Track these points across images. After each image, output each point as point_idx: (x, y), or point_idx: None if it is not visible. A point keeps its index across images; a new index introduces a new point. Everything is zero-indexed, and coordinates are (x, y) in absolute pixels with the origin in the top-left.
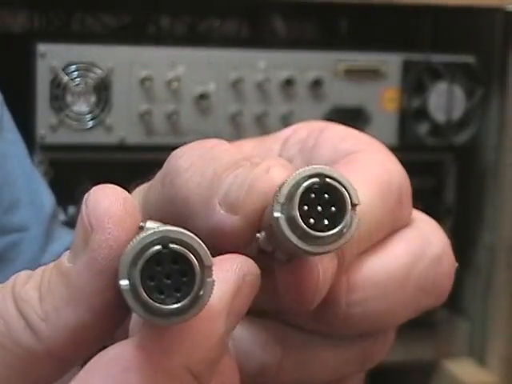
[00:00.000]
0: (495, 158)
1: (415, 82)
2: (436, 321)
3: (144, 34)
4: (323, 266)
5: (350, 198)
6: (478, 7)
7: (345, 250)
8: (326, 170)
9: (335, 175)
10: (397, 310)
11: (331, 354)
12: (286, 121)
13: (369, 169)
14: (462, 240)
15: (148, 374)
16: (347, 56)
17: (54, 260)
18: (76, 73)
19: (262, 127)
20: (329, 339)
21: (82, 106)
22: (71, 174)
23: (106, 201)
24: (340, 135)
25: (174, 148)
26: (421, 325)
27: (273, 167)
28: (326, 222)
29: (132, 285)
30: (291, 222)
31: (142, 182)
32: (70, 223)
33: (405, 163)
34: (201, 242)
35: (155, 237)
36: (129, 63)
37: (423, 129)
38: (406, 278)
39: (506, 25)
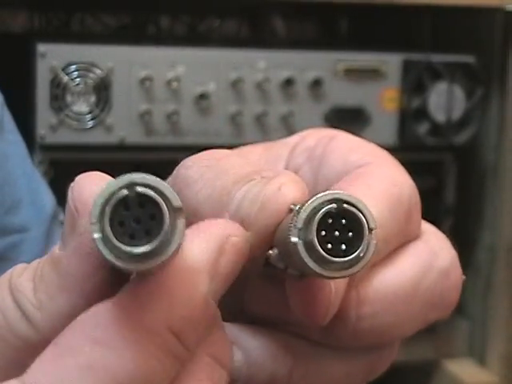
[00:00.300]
0: (495, 158)
1: (415, 82)
2: (436, 321)
3: (144, 34)
4: (335, 283)
5: (368, 222)
6: (477, 7)
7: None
8: (344, 195)
9: (353, 201)
10: (405, 323)
11: (339, 366)
12: (286, 121)
13: (379, 183)
14: (462, 240)
15: (125, 331)
16: (347, 56)
17: None
18: (76, 73)
19: (262, 127)
20: (337, 351)
21: (81, 106)
22: (71, 174)
23: (91, 186)
24: (349, 145)
25: (173, 148)
26: None
27: (285, 184)
28: (343, 246)
29: (103, 233)
30: (309, 246)
31: None
32: None
33: (405, 163)
34: (167, 185)
35: (122, 183)
36: (129, 63)
37: (423, 129)
38: (414, 292)
39: (506, 25)
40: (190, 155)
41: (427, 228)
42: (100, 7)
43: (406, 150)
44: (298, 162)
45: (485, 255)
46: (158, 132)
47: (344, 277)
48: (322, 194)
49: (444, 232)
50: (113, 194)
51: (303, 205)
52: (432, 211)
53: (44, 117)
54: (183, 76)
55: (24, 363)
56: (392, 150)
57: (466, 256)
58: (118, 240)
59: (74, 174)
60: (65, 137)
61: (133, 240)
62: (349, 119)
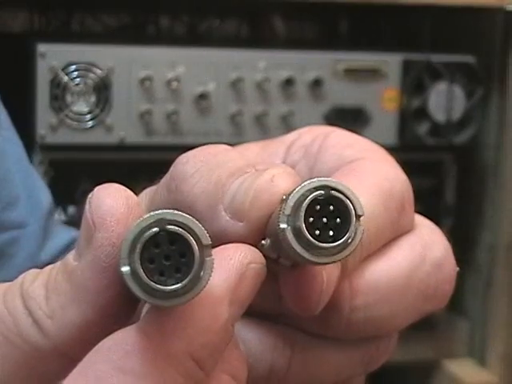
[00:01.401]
0: (495, 157)
1: (415, 82)
2: (436, 321)
3: (144, 34)
4: (327, 273)
5: (355, 209)
6: (477, 7)
7: (348, 258)
8: (332, 182)
9: (340, 187)
10: (398, 315)
11: (337, 357)
12: (286, 121)
13: (371, 177)
14: (462, 240)
15: (149, 359)
16: (347, 56)
17: (53, 256)
18: (76, 73)
19: (262, 127)
20: (334, 342)
21: (81, 106)
22: (71, 173)
23: (109, 200)
24: (344, 141)
25: (173, 148)
26: (421, 325)
27: (277, 175)
28: (331, 233)
29: (132, 269)
30: (297, 233)
31: (150, 185)
32: (70, 223)
33: (405, 163)
34: (197, 222)
35: (151, 220)
36: (129, 63)
37: (423, 129)
38: (407, 284)
39: (506, 25)
40: None
41: (421, 221)
42: (100, 7)
43: (406, 150)
44: (295, 158)
45: (485, 255)
46: (158, 132)
47: (332, 262)
48: (310, 181)
49: (444, 232)
50: (144, 231)
51: (291, 192)
52: (432, 211)
53: (44, 117)
54: (183, 76)
55: (32, 367)
56: (392, 150)
57: (466, 256)
58: (148, 277)
59: (74, 174)
60: (65, 137)
61: (162, 277)
62: (349, 119)
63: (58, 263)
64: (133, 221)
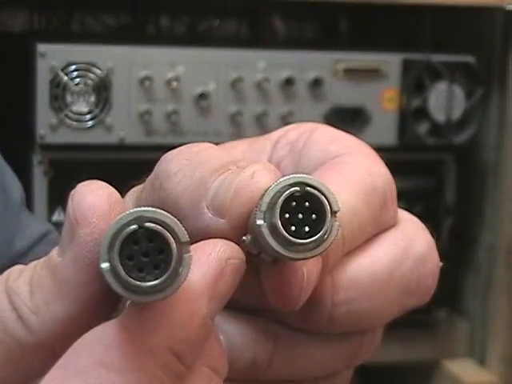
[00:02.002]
0: (495, 157)
1: (415, 82)
2: (436, 321)
3: (144, 34)
4: (308, 268)
5: (330, 205)
6: (477, 7)
7: (329, 252)
8: (307, 178)
9: (315, 184)
10: (381, 310)
11: (319, 351)
12: (286, 120)
13: (353, 172)
14: (462, 240)
15: (129, 353)
16: (347, 56)
17: (28, 245)
18: (76, 73)
19: (262, 127)
20: (317, 336)
21: (81, 106)
22: (71, 173)
23: (91, 196)
24: (329, 137)
25: (173, 148)
26: (421, 325)
27: (258, 171)
28: (306, 229)
29: (111, 265)
30: (273, 229)
31: (137, 184)
32: None
33: (405, 163)
34: (175, 220)
35: (130, 217)
36: (128, 63)
37: (423, 129)
38: (389, 279)
39: (506, 25)
40: None
41: (404, 216)
42: (100, 7)
43: (406, 150)
44: (281, 155)
45: (485, 255)
46: (158, 132)
47: (308, 258)
48: (286, 177)
49: (444, 232)
50: (122, 228)
51: (267, 189)
52: (432, 211)
53: (44, 117)
54: (183, 76)
55: (17, 362)
56: (392, 150)
57: (466, 256)
58: (127, 273)
59: (74, 174)
60: (65, 137)
61: (141, 273)
62: (349, 119)
63: (42, 259)
64: (115, 217)
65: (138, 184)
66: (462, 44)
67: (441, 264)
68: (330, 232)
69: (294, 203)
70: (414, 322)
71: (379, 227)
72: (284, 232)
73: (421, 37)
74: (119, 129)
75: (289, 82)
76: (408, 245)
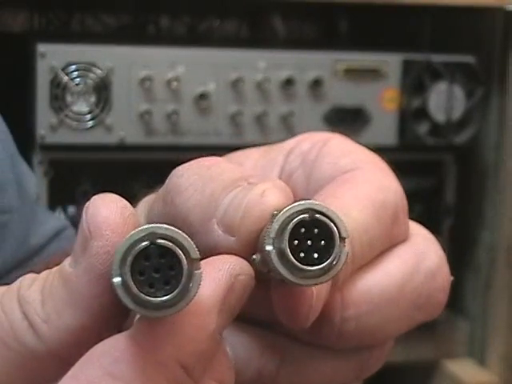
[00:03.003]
0: (495, 157)
1: (415, 82)
2: (436, 321)
3: (144, 34)
4: (317, 288)
5: (339, 232)
6: (477, 7)
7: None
8: (317, 205)
9: (325, 211)
10: (391, 325)
11: (327, 365)
12: (286, 121)
13: (364, 188)
14: (462, 240)
15: (138, 366)
16: (347, 56)
17: (43, 240)
18: (76, 73)
19: (262, 127)
20: (326, 351)
21: (81, 106)
22: (71, 173)
23: (105, 209)
24: (341, 150)
25: (173, 148)
26: (421, 325)
27: (268, 190)
28: (315, 255)
29: (123, 280)
30: (281, 255)
31: (149, 192)
32: (71, 223)
33: (405, 163)
34: (186, 237)
35: (143, 234)
36: (129, 63)
37: (423, 129)
38: (399, 294)
39: (506, 25)
40: (189, 155)
41: (415, 230)
42: (100, 7)
43: (406, 150)
44: (293, 166)
45: (485, 255)
46: (158, 132)
47: (316, 284)
48: (295, 203)
49: (444, 232)
50: (135, 244)
51: (277, 214)
52: (432, 211)
53: (44, 117)
54: (183, 76)
55: (28, 370)
56: (392, 150)
57: (466, 256)
58: (138, 289)
59: (74, 174)
60: (65, 137)
61: (152, 289)
62: (349, 119)
63: (54, 269)
64: (128, 230)
65: (151, 192)
66: (462, 44)
67: (452, 278)
68: (339, 258)
69: (303, 229)
70: None
71: (390, 242)
72: (293, 259)
73: (421, 37)
74: (119, 129)
75: (289, 82)
76: (419, 260)
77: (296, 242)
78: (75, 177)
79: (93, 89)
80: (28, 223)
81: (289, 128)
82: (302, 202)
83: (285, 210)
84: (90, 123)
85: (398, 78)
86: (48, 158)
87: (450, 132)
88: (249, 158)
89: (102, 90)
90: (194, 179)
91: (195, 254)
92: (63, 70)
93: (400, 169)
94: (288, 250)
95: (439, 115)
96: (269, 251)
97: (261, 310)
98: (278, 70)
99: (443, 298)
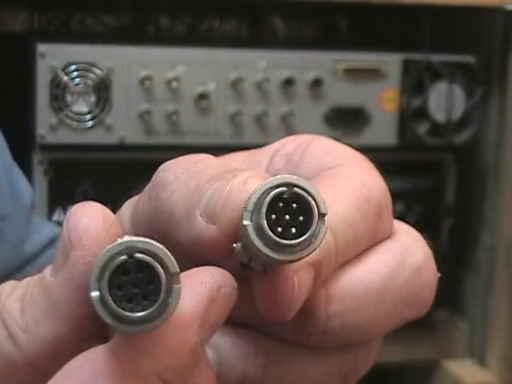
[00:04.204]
0: (495, 157)
1: (415, 82)
2: (436, 321)
3: (144, 34)
4: (299, 278)
5: (318, 207)
6: (477, 7)
7: (322, 263)
8: (294, 179)
9: (303, 185)
10: (377, 322)
11: (313, 365)
12: (286, 121)
13: (348, 183)
14: (462, 240)
15: (117, 379)
16: (347, 56)
17: (38, 248)
18: (76, 73)
19: (262, 127)
20: (310, 350)
21: (81, 106)
22: (71, 173)
23: (85, 219)
24: (324, 148)
25: (173, 148)
26: (421, 325)
27: (250, 178)
28: (293, 230)
29: (101, 294)
30: (259, 229)
31: (134, 194)
32: None
33: (405, 163)
34: (166, 251)
35: (121, 247)
36: (128, 63)
37: (423, 129)
38: (385, 290)
39: (506, 25)
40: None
41: (400, 227)
42: (100, 7)
43: (405, 150)
44: (278, 167)
45: (485, 255)
46: (158, 132)
47: (294, 260)
48: (273, 178)
49: (444, 232)
50: (113, 258)
51: (255, 189)
52: (432, 211)
53: (44, 117)
54: (183, 76)
55: (4, 380)
56: (392, 150)
57: (466, 256)
58: (116, 304)
59: (74, 174)
60: (65, 137)
61: (130, 304)
62: (349, 119)
63: (35, 277)
64: (109, 240)
65: (135, 194)
66: (462, 44)
67: (439, 275)
68: (318, 234)
69: (282, 204)
70: (414, 322)
71: (374, 238)
72: (270, 233)
73: (421, 37)
74: (119, 129)
75: (289, 82)
76: (404, 256)
77: (274, 216)
78: (75, 177)
79: (93, 89)
80: (22, 231)
81: (289, 128)
82: (281, 176)
83: (263, 183)
84: (90, 123)
85: (398, 77)
86: (48, 158)
87: (449, 132)
88: (234, 160)
89: (102, 90)
90: (179, 173)
91: (174, 268)
92: (63, 69)
93: (400, 169)
94: (266, 223)
95: (439, 115)
96: (246, 225)
97: (242, 310)
98: (278, 69)
99: (430, 295)
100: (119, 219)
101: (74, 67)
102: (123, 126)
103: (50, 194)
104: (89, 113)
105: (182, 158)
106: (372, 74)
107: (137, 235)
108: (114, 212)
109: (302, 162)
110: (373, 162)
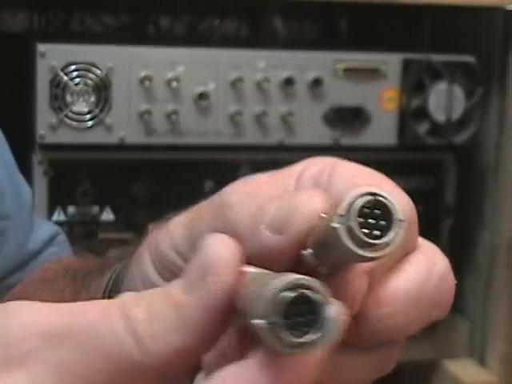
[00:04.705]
0: (495, 157)
1: (415, 82)
2: (436, 321)
3: (144, 34)
4: (359, 281)
5: (397, 214)
6: (477, 7)
7: (375, 270)
8: (378, 190)
9: (385, 195)
10: (413, 323)
11: (356, 362)
12: (286, 120)
13: None
14: (462, 240)
15: None
16: (347, 56)
17: (39, 245)
18: (76, 73)
19: (262, 127)
20: (357, 349)
21: (81, 106)
22: (71, 173)
23: (222, 250)
24: (353, 171)
25: (173, 147)
26: None
27: (315, 194)
28: (376, 232)
29: (272, 323)
30: (349, 231)
31: (171, 217)
32: (70, 223)
33: (405, 163)
34: (326, 288)
35: (291, 284)
36: (128, 63)
37: (423, 128)
38: (420, 294)
39: (506, 24)
40: (189, 155)
41: (421, 241)
42: (100, 7)
43: (405, 150)
44: (307, 187)
45: (485, 255)
46: (158, 132)
47: (377, 258)
48: (360, 188)
49: (444, 232)
50: (283, 293)
51: (345, 197)
52: (432, 211)
53: (44, 116)
54: (183, 76)
55: (125, 382)
56: (392, 150)
57: (466, 256)
58: (287, 332)
59: (74, 174)
60: (64, 136)
61: (295, 331)
62: (349, 119)
63: (160, 290)
64: (237, 269)
65: (171, 217)
66: (462, 44)
67: (455, 281)
68: (397, 236)
69: (367, 210)
70: None
71: (408, 249)
72: (360, 233)
73: (421, 37)
74: (119, 129)
75: (289, 82)
76: (431, 265)
77: (360, 219)
78: (75, 176)
79: (92, 89)
80: (25, 229)
81: (289, 128)
82: (365, 186)
83: (352, 192)
84: (90, 123)
85: (398, 77)
86: (48, 158)
87: (449, 132)
88: (261, 183)
89: (102, 90)
90: (241, 195)
91: (333, 301)
92: (63, 69)
93: (400, 168)
94: (356, 224)
95: (439, 115)
96: (337, 228)
97: None
98: (278, 69)
99: (451, 298)
100: (167, 238)
101: (73, 67)
102: (123, 126)
103: (50, 194)
104: (89, 113)
105: (241, 182)
106: (372, 73)
107: (292, 271)
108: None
109: (332, 183)
110: (373, 162)
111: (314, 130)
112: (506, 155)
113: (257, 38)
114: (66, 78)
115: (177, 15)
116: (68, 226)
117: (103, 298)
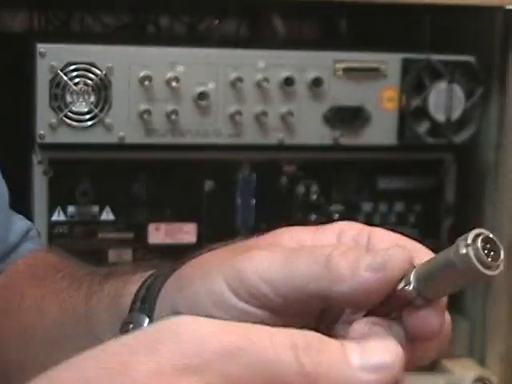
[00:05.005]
0: (495, 157)
1: (415, 82)
2: None
3: (143, 34)
4: (443, 305)
5: (501, 246)
6: (477, 7)
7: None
8: (487, 231)
9: (492, 235)
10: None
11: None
12: (286, 120)
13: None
14: None
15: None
16: (347, 55)
17: (18, 238)
18: (75, 73)
19: (262, 127)
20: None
21: (81, 106)
22: (71, 173)
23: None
24: (390, 235)
25: (173, 147)
26: None
27: (398, 247)
28: (490, 259)
29: (475, 249)
30: (476, 254)
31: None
32: (70, 223)
33: (405, 163)
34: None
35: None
36: (128, 63)
37: (423, 128)
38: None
39: (506, 24)
40: (189, 154)
41: None
42: (100, 7)
43: (405, 150)
44: (348, 245)
45: None
46: (158, 131)
47: (495, 275)
48: (477, 229)
49: (444, 232)
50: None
51: (469, 232)
52: (432, 211)
53: (43, 116)
54: (183, 76)
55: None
56: (392, 150)
57: None
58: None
59: (74, 174)
60: (64, 136)
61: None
62: (348, 119)
63: (335, 346)
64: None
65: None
66: (461, 44)
67: None
68: (503, 263)
69: (483, 243)
70: None
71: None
72: (485, 257)
73: (421, 37)
74: (119, 129)
75: (288, 82)
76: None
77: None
78: (75, 176)
79: (92, 89)
80: (6, 223)
81: (288, 128)
82: (479, 229)
83: (474, 230)
84: (90, 123)
85: (398, 77)
86: (47, 158)
87: (449, 131)
88: (302, 238)
89: (102, 90)
90: (343, 249)
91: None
92: (63, 69)
93: (400, 168)
94: (482, 251)
95: (439, 115)
96: (466, 253)
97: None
98: (278, 69)
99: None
100: (252, 267)
101: (73, 67)
102: (123, 126)
103: (50, 194)
104: (88, 112)
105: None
106: (372, 73)
107: None
108: None
109: (373, 245)
110: (373, 162)
111: (313, 130)
112: (506, 155)
113: (257, 38)
114: (65, 77)
115: (176, 15)
116: (68, 225)
117: (133, 305)
